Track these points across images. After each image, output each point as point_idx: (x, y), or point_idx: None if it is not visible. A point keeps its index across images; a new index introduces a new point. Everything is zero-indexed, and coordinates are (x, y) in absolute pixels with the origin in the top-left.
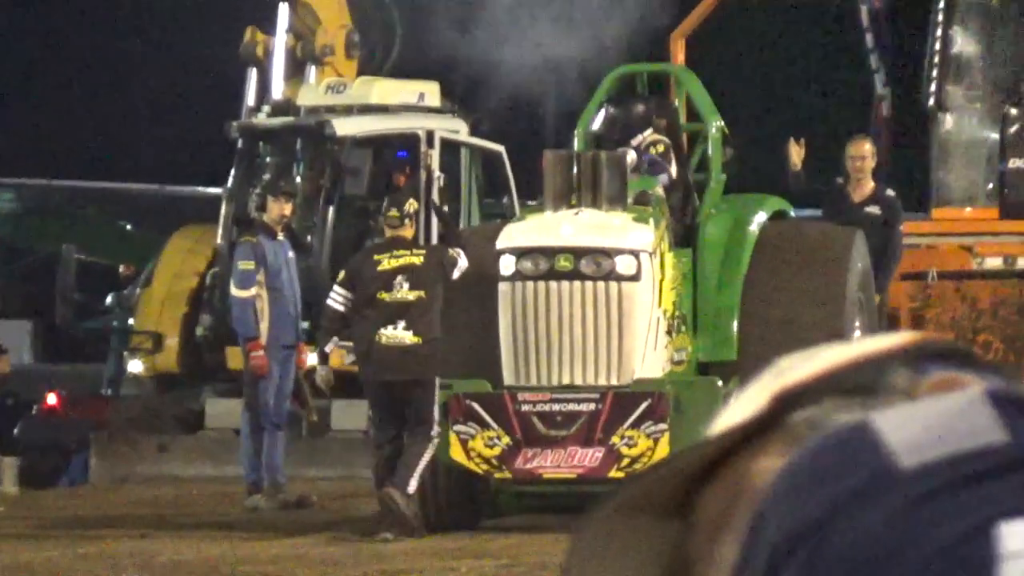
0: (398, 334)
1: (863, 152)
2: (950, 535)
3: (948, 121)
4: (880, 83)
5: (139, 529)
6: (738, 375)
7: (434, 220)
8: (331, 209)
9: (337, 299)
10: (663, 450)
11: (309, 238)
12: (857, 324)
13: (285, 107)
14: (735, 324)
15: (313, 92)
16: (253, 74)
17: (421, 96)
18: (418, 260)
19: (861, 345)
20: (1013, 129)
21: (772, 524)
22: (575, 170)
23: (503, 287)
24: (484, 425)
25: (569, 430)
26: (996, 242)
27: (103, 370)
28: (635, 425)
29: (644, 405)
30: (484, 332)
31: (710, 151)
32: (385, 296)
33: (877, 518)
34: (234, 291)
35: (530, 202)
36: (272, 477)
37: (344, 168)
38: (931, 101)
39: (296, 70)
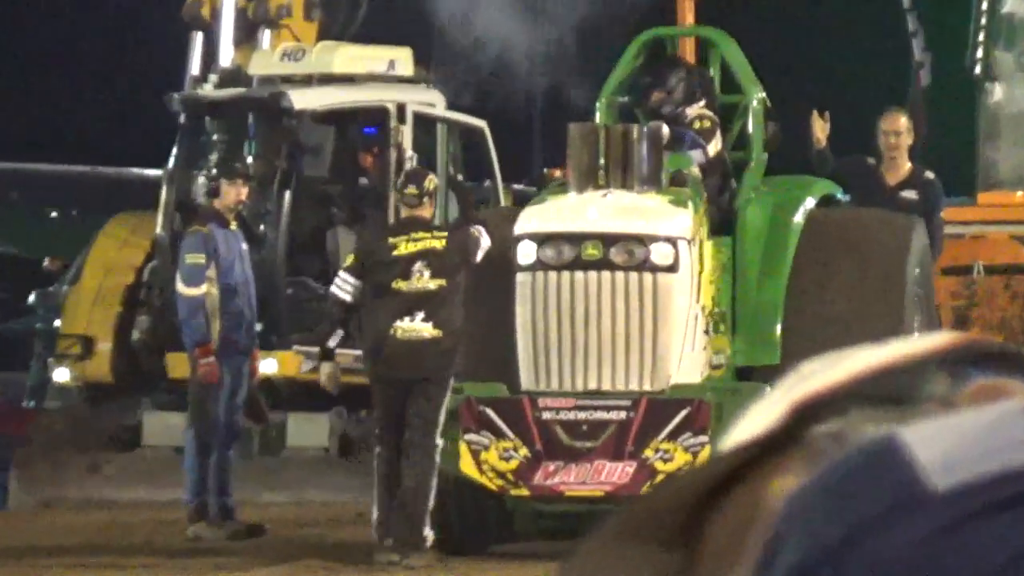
0: (416, 326)
1: (898, 127)
2: (988, 565)
3: (997, 91)
4: (919, 48)
5: (66, 560)
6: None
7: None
8: (288, 193)
9: (344, 287)
10: None
11: (262, 227)
12: (916, 323)
13: (235, 76)
14: (778, 323)
15: (267, 59)
16: (198, 38)
17: (391, 64)
18: (439, 244)
19: (895, 348)
20: None
21: (790, 547)
22: (603, 146)
23: (521, 278)
24: (499, 435)
25: (596, 441)
26: None
27: (25, 379)
28: (672, 437)
29: (682, 414)
30: (498, 328)
31: (750, 127)
32: (402, 285)
33: (904, 543)
34: (181, 288)
35: (551, 181)
36: (220, 502)
37: (303, 146)
38: (977, 68)
39: (248, 34)
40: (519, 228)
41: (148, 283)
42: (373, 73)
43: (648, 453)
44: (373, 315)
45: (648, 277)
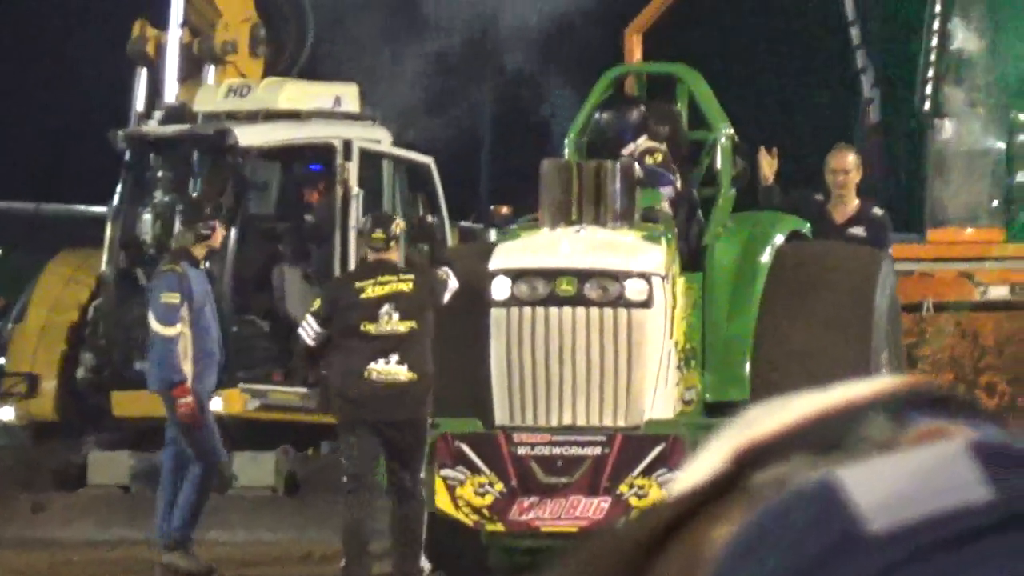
0: (391, 369)
1: (846, 165)
2: None
3: (946, 128)
4: (868, 84)
5: None
6: None
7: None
8: (233, 230)
9: (308, 332)
10: None
11: (208, 264)
12: (884, 357)
13: (180, 113)
14: (747, 358)
15: (212, 95)
16: (143, 75)
17: (337, 100)
18: (407, 287)
19: (839, 392)
20: (1022, 138)
21: None
22: (576, 182)
23: (496, 313)
24: (475, 470)
25: (571, 477)
26: (1001, 268)
27: None
28: (646, 473)
29: (657, 450)
30: (473, 364)
31: (719, 162)
32: (371, 327)
33: None
34: (157, 328)
35: (524, 218)
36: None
37: (248, 183)
38: (926, 105)
39: (193, 70)
40: (493, 264)
41: (93, 321)
42: (319, 109)
43: (623, 489)
44: (343, 358)
45: (622, 313)
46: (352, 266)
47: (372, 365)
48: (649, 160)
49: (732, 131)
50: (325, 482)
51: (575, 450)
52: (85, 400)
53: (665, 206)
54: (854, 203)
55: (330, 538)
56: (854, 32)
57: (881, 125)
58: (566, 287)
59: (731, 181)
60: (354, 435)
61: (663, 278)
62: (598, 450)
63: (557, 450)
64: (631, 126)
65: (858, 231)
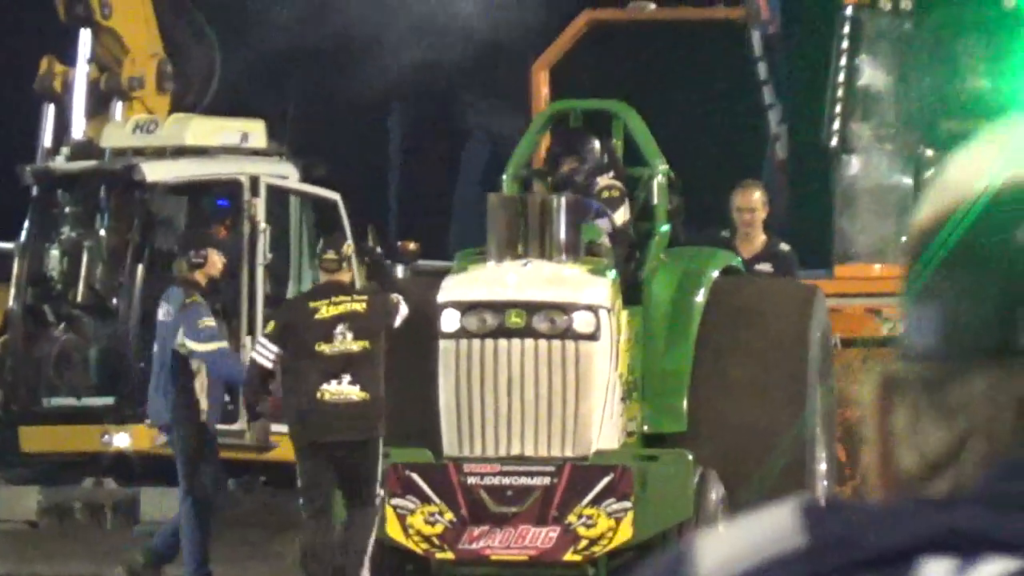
0: (344, 389)
1: (752, 202)
2: None
3: (853, 164)
4: (775, 120)
5: None
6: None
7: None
8: (140, 267)
9: (264, 354)
10: (625, 531)
11: (114, 301)
12: (818, 390)
13: (87, 149)
14: (684, 391)
15: (120, 131)
16: (50, 110)
17: (244, 137)
18: (360, 307)
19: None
20: (930, 174)
21: None
22: (522, 216)
23: (445, 345)
24: (425, 499)
25: (521, 506)
26: None
27: None
28: (595, 503)
29: (605, 480)
30: (422, 395)
31: (655, 198)
32: (325, 348)
33: None
34: (205, 347)
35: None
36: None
37: (155, 219)
38: (833, 141)
39: (100, 106)
40: (442, 297)
41: (0, 357)
42: (226, 145)
43: (572, 519)
44: (298, 379)
45: (571, 345)
46: (260, 302)
47: (324, 386)
48: (606, 195)
49: (668, 167)
50: (231, 517)
51: (524, 480)
52: None
53: (606, 240)
54: (760, 239)
55: (237, 573)
56: (761, 68)
57: (788, 161)
58: (515, 319)
59: (666, 216)
60: (310, 459)
61: (609, 311)
62: (547, 480)
63: (507, 480)
64: (595, 165)
65: (765, 267)
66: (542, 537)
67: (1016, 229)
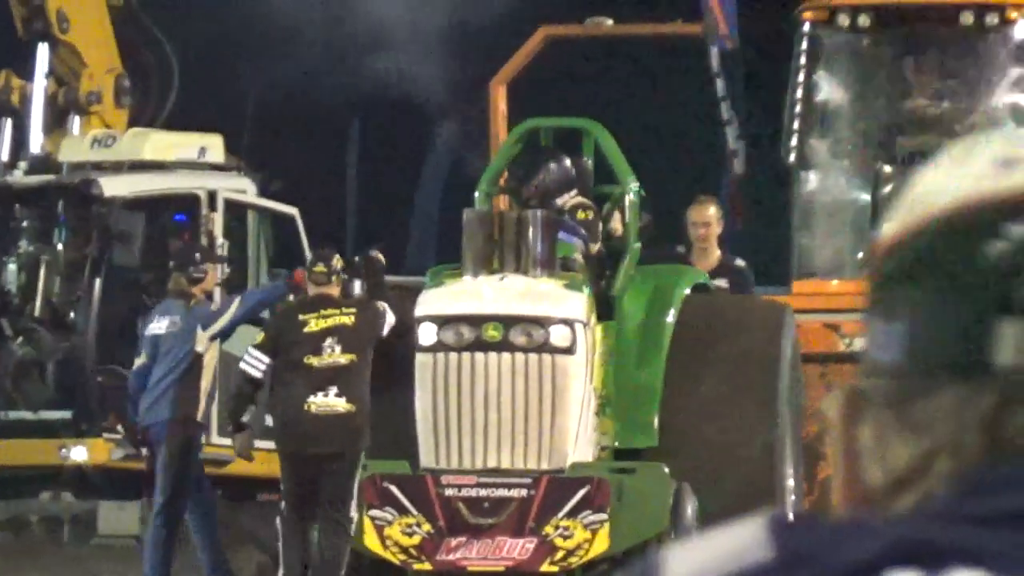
0: (330, 401)
1: (707, 217)
2: None
3: (811, 180)
4: (732, 136)
5: None
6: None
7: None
8: (98, 281)
9: (253, 364)
10: (602, 542)
11: (72, 314)
12: (788, 405)
13: (45, 163)
14: (655, 407)
15: (77, 146)
16: (7, 125)
17: (202, 151)
18: (349, 320)
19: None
20: (887, 190)
21: None
22: (497, 231)
23: (422, 358)
24: (402, 511)
25: (498, 518)
26: None
27: None
28: (571, 514)
29: (582, 492)
30: (399, 407)
31: (627, 216)
32: (314, 360)
33: None
34: (230, 313)
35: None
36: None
37: (113, 234)
38: (791, 157)
39: (58, 120)
40: (419, 310)
41: None
42: (184, 160)
43: (548, 530)
44: (286, 391)
45: (547, 358)
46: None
47: (312, 398)
48: (581, 215)
49: (638, 186)
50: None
51: (502, 492)
52: None
53: (579, 256)
54: (716, 255)
55: None
56: (719, 83)
57: (746, 177)
58: (492, 333)
59: (637, 234)
60: (293, 468)
61: (585, 325)
62: (524, 492)
63: (484, 492)
64: (559, 179)
65: (721, 283)
66: (519, 548)
67: (981, 246)
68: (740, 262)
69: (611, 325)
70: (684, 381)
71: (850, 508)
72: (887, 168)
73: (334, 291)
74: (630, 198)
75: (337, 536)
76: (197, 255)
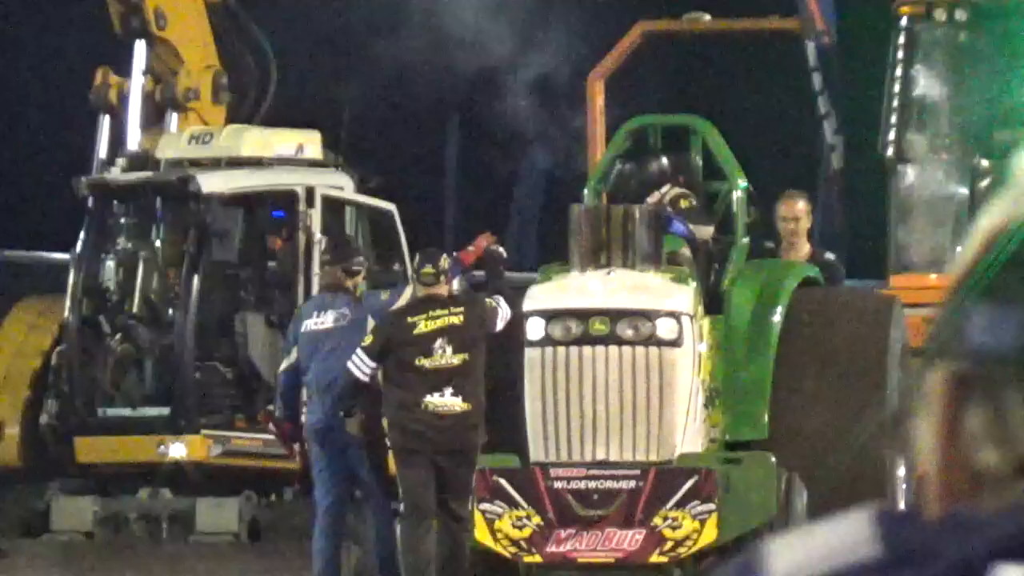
0: (447, 401)
1: (796, 211)
2: None
3: (909, 174)
4: (830, 130)
5: None
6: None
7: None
8: (196, 277)
9: (360, 367)
10: (710, 532)
11: (170, 311)
12: (896, 398)
13: (143, 160)
14: (765, 400)
15: (175, 142)
16: (105, 122)
17: (300, 148)
18: (458, 320)
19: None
20: (985, 183)
21: None
22: (605, 226)
23: (531, 353)
24: (513, 504)
25: (607, 510)
26: None
27: None
28: (679, 505)
29: (690, 483)
30: (507, 401)
31: (735, 211)
32: (425, 362)
33: None
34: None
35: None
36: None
37: (211, 230)
38: (889, 151)
39: (155, 117)
40: (527, 305)
41: (56, 368)
42: (281, 156)
43: (657, 521)
44: (398, 392)
45: (654, 351)
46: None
47: (428, 398)
48: (684, 204)
49: (747, 182)
50: (287, 528)
51: (610, 484)
52: (48, 446)
53: (686, 251)
54: (805, 249)
55: None
56: (816, 78)
57: (844, 171)
58: (599, 327)
59: (745, 229)
60: (410, 465)
61: (691, 317)
62: (632, 483)
63: (592, 484)
64: (654, 176)
65: None
66: (628, 539)
67: None
68: (830, 255)
69: (718, 319)
70: (793, 374)
71: (950, 494)
72: (985, 162)
73: (443, 291)
74: (738, 194)
75: (459, 532)
76: (354, 249)
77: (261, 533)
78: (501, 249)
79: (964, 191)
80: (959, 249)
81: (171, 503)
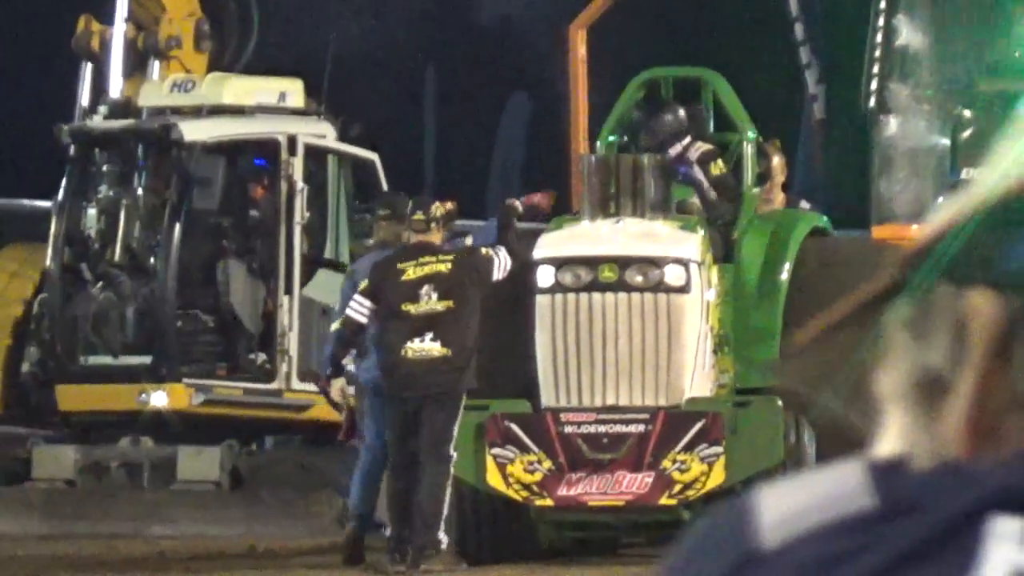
0: (426, 346)
1: (770, 167)
2: None
3: (891, 125)
4: (812, 81)
5: None
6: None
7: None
8: (177, 225)
9: (359, 309)
10: (718, 475)
11: (151, 259)
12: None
13: (125, 108)
14: (775, 347)
15: (157, 90)
16: (87, 69)
17: (282, 96)
18: (445, 268)
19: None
20: (967, 134)
21: None
22: (615, 175)
23: (541, 300)
24: (524, 448)
25: (617, 453)
26: None
27: None
28: (688, 448)
29: (697, 426)
30: (519, 348)
31: (745, 161)
32: (411, 308)
33: None
34: None
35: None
36: None
37: (192, 178)
38: (871, 102)
39: (137, 65)
40: (538, 254)
41: (38, 315)
42: (264, 105)
43: (666, 464)
44: (385, 337)
45: (662, 298)
46: (297, 261)
47: (408, 344)
48: (715, 170)
49: (755, 133)
50: (269, 476)
51: (620, 428)
52: (30, 394)
53: (696, 201)
54: (780, 198)
55: (273, 532)
56: (798, 28)
57: (826, 122)
58: (608, 274)
59: (756, 179)
60: (395, 411)
61: (699, 265)
62: (642, 427)
63: (602, 428)
64: (674, 128)
65: None
66: (638, 482)
67: None
68: (805, 204)
69: (728, 267)
70: (803, 321)
71: (983, 430)
72: (967, 113)
73: (434, 239)
74: (749, 145)
75: (439, 473)
76: (411, 204)
77: (243, 481)
78: (517, 204)
79: (946, 142)
80: (940, 200)
81: (152, 451)
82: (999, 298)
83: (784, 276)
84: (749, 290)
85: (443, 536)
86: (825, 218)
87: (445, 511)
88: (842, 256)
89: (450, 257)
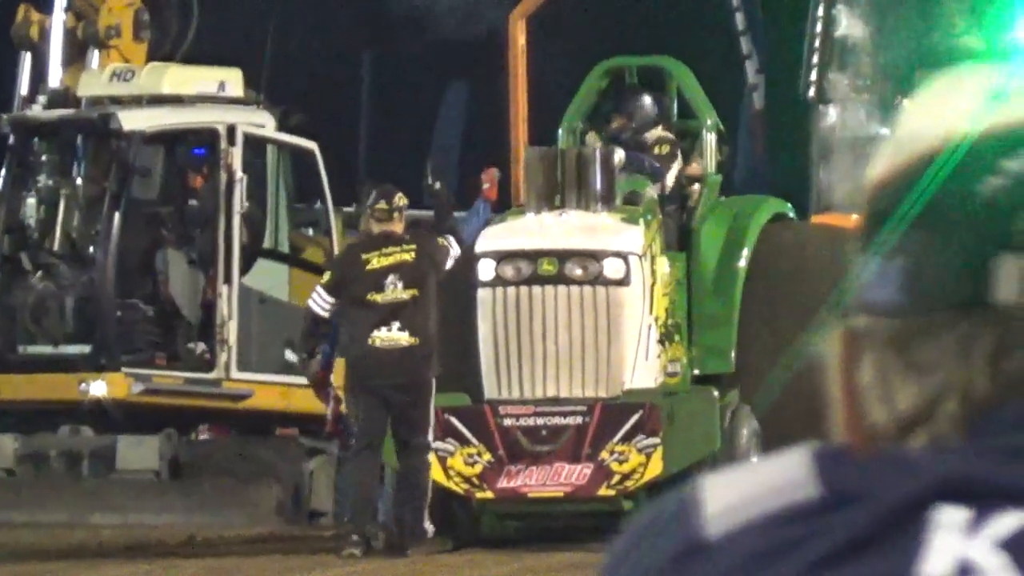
0: (393, 335)
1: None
2: None
3: (830, 114)
4: (752, 70)
5: None
6: (736, 388)
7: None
8: (117, 215)
9: (320, 303)
10: (656, 466)
11: (91, 249)
12: None
13: (64, 97)
14: (732, 334)
15: (96, 80)
16: (27, 59)
17: (221, 85)
18: (409, 256)
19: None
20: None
21: None
22: (559, 168)
23: (482, 293)
24: (464, 441)
25: (555, 445)
26: None
27: None
28: (625, 439)
29: (635, 418)
30: (459, 341)
31: (706, 149)
32: (377, 297)
33: None
34: (455, 250)
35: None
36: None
37: (132, 168)
38: (811, 91)
39: (77, 55)
40: (479, 247)
41: None
42: (203, 94)
43: (604, 455)
44: (352, 327)
45: (601, 291)
46: (236, 251)
47: (375, 333)
48: (657, 150)
49: (718, 121)
50: (208, 466)
51: (558, 420)
52: None
53: (649, 190)
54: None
55: (213, 521)
56: (739, 18)
57: (765, 111)
58: (548, 267)
59: (717, 167)
60: (360, 399)
61: (640, 257)
62: (579, 419)
63: (541, 420)
64: (647, 116)
65: None
66: (576, 474)
67: (982, 181)
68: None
69: (679, 255)
70: (762, 308)
71: (855, 447)
72: (906, 102)
73: (396, 228)
74: (710, 133)
75: (418, 461)
76: (374, 194)
77: (181, 471)
78: (438, 185)
79: (885, 131)
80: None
81: (92, 441)
82: (847, 328)
83: (742, 263)
84: (706, 277)
85: (428, 524)
86: (788, 204)
87: (429, 499)
88: (801, 241)
89: (413, 246)
